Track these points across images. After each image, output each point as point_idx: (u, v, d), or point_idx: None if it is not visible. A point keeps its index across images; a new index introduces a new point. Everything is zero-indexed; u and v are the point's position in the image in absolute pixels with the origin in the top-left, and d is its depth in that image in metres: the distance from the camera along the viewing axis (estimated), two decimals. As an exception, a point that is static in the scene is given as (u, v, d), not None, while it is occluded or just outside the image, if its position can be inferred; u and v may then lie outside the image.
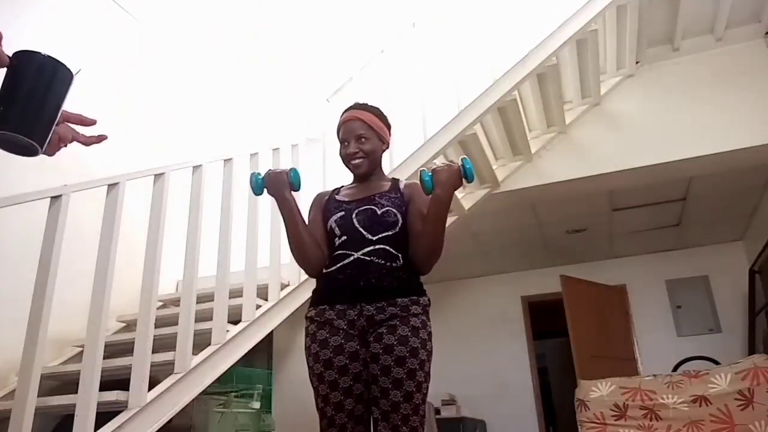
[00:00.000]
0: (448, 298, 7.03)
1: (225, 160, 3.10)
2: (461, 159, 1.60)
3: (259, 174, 1.76)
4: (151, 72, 4.29)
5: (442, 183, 1.59)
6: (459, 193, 4.47)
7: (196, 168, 2.92)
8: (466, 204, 4.54)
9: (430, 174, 1.60)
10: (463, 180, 1.60)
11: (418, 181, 1.69)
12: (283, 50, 5.35)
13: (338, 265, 1.71)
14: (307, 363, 1.70)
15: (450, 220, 4.45)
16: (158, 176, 2.71)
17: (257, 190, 1.75)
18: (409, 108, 3.89)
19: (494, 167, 4.60)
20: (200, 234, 2.78)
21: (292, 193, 1.74)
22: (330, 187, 2.00)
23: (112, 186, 2.50)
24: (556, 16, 4.01)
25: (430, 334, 1.69)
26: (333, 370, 1.62)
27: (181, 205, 2.85)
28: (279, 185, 1.71)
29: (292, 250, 1.79)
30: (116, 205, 2.46)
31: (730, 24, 4.56)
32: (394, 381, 1.57)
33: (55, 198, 2.31)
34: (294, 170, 1.76)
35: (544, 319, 7.12)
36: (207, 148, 4.28)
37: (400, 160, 3.72)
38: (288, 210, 1.73)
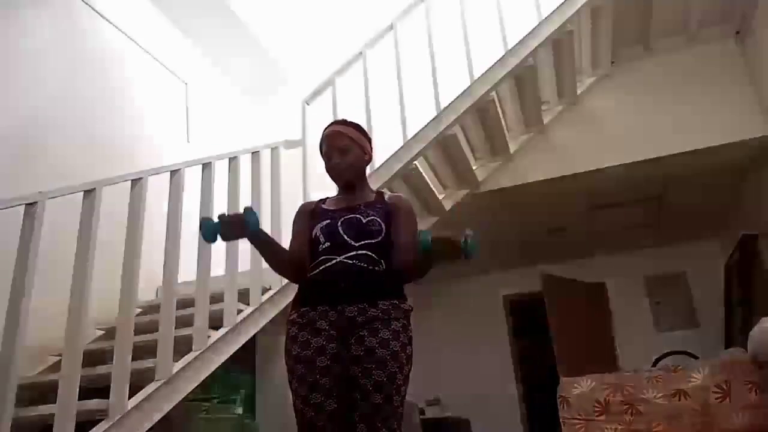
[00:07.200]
0: (430, 298, 7.04)
1: (203, 164, 3.08)
2: (465, 236, 1.52)
3: (210, 220, 1.66)
4: (126, 74, 4.24)
5: (438, 256, 1.61)
6: (440, 195, 4.49)
7: (174, 173, 2.89)
8: (447, 204, 4.56)
9: (429, 240, 1.54)
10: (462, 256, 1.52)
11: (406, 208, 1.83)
12: (262, 53, 5.33)
13: (321, 269, 1.73)
14: (287, 365, 1.69)
15: (431, 221, 4.47)
16: (135, 181, 2.68)
17: (209, 237, 1.64)
18: (388, 110, 3.90)
19: (474, 168, 4.63)
20: (179, 239, 2.75)
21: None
22: (310, 189, 2.00)
23: (88, 192, 2.47)
24: (533, 18, 4.05)
25: (410, 338, 1.71)
26: (315, 371, 1.62)
27: (160, 211, 2.82)
28: (235, 232, 1.69)
29: (273, 269, 1.86)
30: (93, 211, 2.43)
31: (701, 24, 4.64)
32: (375, 384, 1.59)
33: (30, 205, 2.27)
34: (248, 211, 1.67)
35: (526, 317, 7.17)
36: (185, 152, 4.25)
37: (380, 162, 3.73)
38: (259, 245, 1.79)
